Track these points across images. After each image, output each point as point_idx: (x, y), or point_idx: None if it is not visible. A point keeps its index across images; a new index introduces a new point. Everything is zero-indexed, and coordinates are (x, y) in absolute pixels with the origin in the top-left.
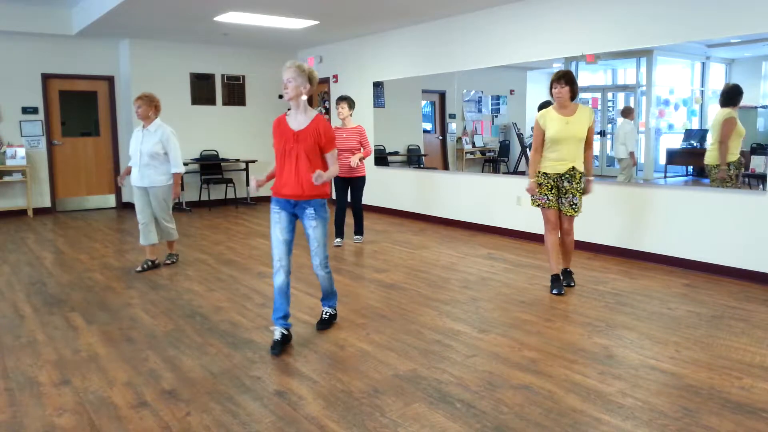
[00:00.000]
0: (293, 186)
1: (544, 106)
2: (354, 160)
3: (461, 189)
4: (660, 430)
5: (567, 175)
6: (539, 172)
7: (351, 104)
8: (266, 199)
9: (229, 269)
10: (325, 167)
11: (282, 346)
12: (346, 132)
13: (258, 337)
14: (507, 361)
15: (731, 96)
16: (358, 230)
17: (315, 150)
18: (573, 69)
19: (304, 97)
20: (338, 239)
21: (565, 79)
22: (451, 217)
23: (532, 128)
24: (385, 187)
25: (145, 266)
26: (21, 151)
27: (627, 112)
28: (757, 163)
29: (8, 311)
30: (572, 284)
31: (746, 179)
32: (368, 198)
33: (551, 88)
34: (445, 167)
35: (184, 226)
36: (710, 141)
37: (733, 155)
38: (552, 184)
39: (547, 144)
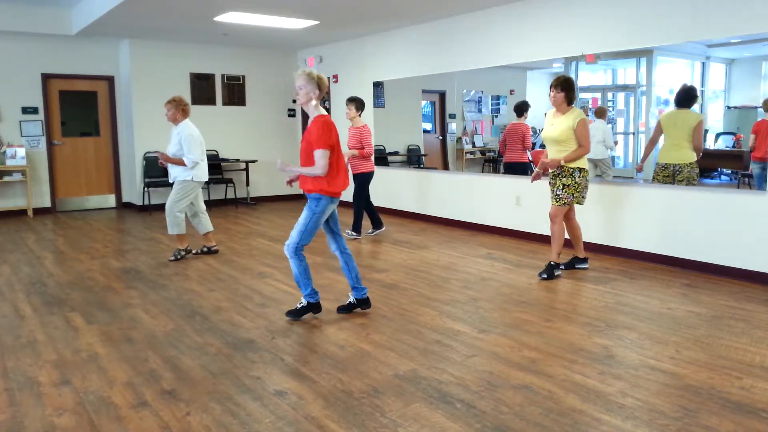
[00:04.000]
0: (300, 180)
1: (519, 106)
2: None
3: (461, 189)
4: (660, 430)
5: (553, 172)
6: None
7: (358, 105)
8: (266, 200)
9: (229, 269)
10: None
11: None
12: (351, 131)
13: (258, 337)
14: (507, 361)
15: (690, 97)
16: (353, 226)
17: (308, 149)
18: (573, 69)
19: (314, 102)
20: (351, 232)
21: (562, 86)
22: (451, 217)
23: (533, 128)
24: (385, 187)
25: (181, 253)
26: (21, 151)
27: (601, 113)
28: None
29: (8, 311)
30: (543, 276)
31: (746, 179)
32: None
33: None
34: (445, 167)
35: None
36: (671, 141)
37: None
38: (551, 181)
39: None
